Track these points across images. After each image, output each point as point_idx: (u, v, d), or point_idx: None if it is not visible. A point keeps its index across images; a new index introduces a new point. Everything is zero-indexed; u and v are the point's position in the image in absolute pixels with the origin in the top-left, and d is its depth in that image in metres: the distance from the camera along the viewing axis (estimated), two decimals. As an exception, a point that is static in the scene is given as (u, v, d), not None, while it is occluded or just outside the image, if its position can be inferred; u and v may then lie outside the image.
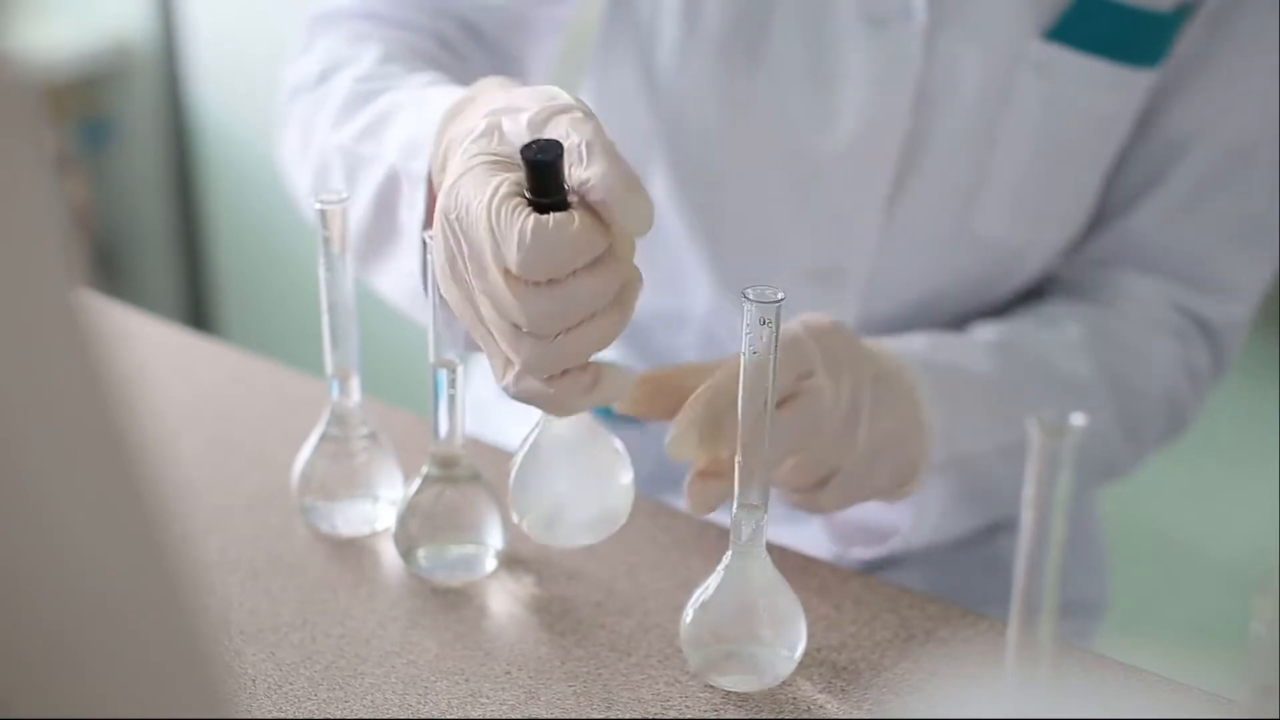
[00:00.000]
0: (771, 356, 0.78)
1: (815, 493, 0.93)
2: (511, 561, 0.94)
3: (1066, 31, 1.07)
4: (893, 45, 1.08)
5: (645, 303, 1.18)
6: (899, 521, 1.03)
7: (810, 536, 1.17)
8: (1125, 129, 1.12)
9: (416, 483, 0.92)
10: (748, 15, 1.10)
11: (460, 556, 0.93)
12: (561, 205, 0.76)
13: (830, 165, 1.11)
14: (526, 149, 0.76)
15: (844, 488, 0.93)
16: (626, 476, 0.87)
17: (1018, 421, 1.04)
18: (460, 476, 0.92)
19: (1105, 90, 1.09)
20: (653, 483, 1.22)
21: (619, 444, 0.87)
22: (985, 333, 1.10)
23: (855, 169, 1.11)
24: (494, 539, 0.93)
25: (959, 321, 1.18)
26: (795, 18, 1.09)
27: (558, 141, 0.76)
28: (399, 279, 0.99)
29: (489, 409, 1.34)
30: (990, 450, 1.04)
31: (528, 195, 0.76)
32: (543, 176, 0.76)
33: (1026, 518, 0.60)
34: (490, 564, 0.93)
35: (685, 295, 1.21)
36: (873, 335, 1.16)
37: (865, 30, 1.08)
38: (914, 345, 1.04)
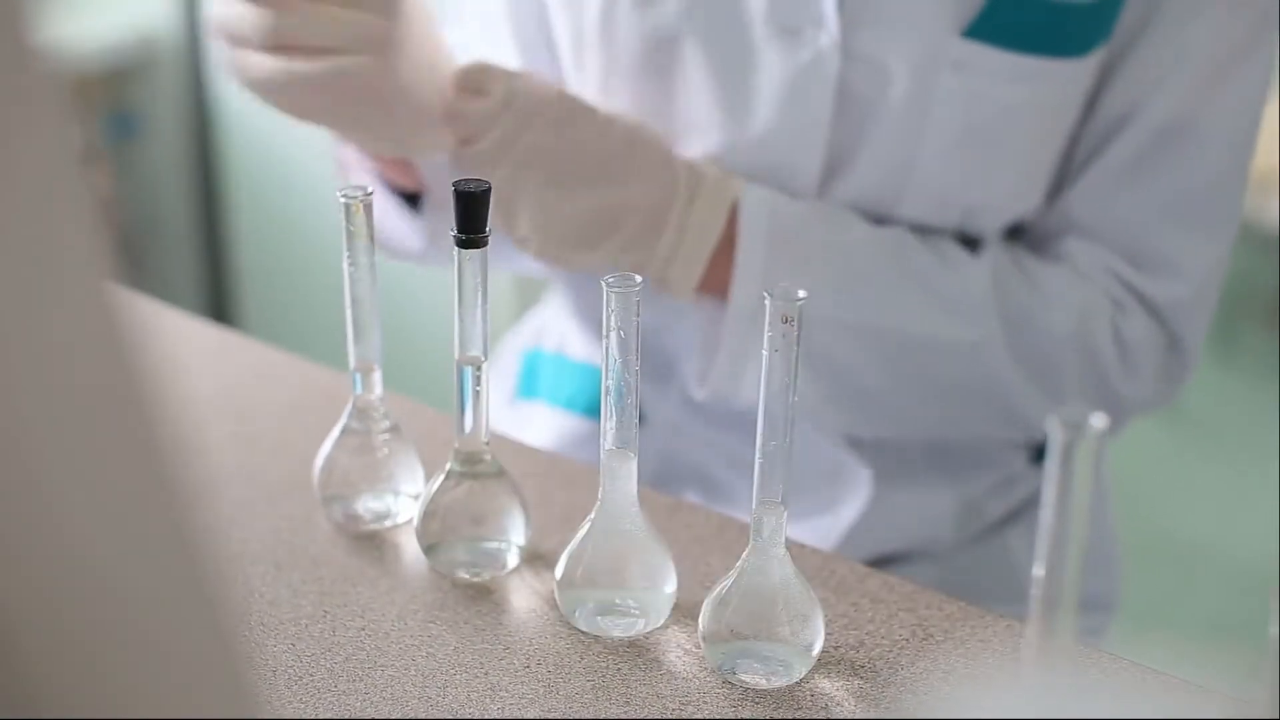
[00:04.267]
0: (793, 353, 0.78)
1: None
2: (532, 556, 0.95)
3: (985, 29, 1.06)
4: (807, 53, 1.07)
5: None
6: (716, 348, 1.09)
7: (819, 532, 1.18)
8: (1067, 116, 1.11)
9: (440, 478, 0.93)
10: (658, 34, 1.10)
11: (483, 552, 0.93)
12: None
13: (754, 174, 1.11)
14: None
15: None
16: (670, 585, 0.89)
17: (875, 309, 1.06)
18: (484, 473, 0.92)
19: (1029, 83, 1.07)
20: (659, 480, 1.23)
21: (668, 552, 0.89)
22: (891, 228, 1.11)
23: (779, 176, 1.10)
24: (517, 535, 0.93)
25: None
26: (708, 32, 1.09)
27: None
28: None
29: (499, 416, 1.34)
30: (827, 320, 1.07)
31: None
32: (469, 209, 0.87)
33: (1046, 518, 0.60)
34: (513, 560, 0.94)
35: (665, 304, 1.21)
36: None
37: (778, 40, 1.07)
38: (782, 199, 1.08)
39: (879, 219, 1.12)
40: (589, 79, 1.14)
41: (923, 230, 1.13)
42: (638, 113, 1.13)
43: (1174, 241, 1.12)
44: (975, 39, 1.06)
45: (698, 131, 1.11)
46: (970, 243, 1.16)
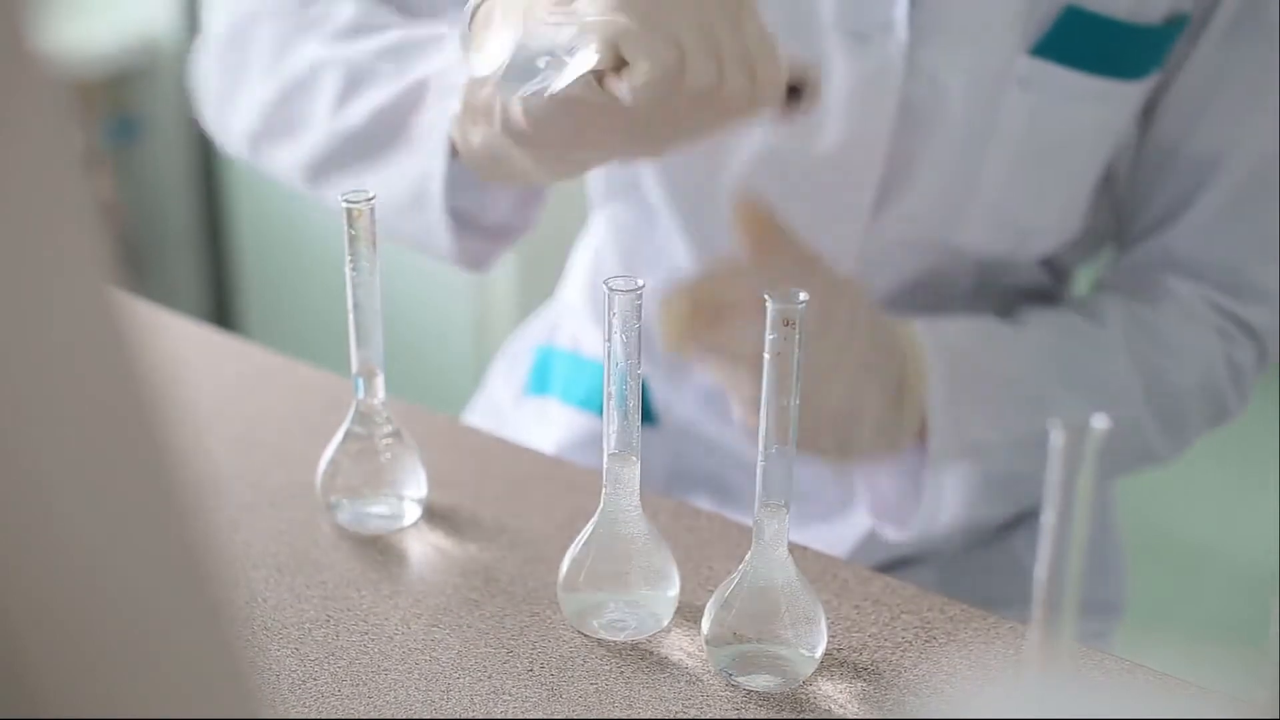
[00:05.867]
0: (794, 355, 0.78)
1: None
2: (534, 560, 0.95)
3: (1053, 47, 1.06)
4: (875, 59, 1.07)
5: (654, 306, 1.19)
6: (918, 504, 1.08)
7: (833, 538, 1.18)
8: (1113, 140, 1.13)
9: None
10: None
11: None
12: None
13: (811, 177, 1.11)
14: None
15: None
16: (673, 588, 0.89)
17: (1040, 417, 1.06)
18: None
19: (1091, 104, 1.09)
20: (671, 481, 1.23)
21: (671, 555, 0.89)
22: (1030, 326, 1.11)
23: (837, 181, 1.11)
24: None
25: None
26: (775, 30, 1.08)
27: None
28: (395, 181, 1.04)
29: (508, 412, 1.34)
30: (1005, 441, 1.07)
31: None
32: None
33: (1048, 518, 0.60)
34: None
35: None
36: None
37: (847, 44, 1.06)
38: (946, 331, 1.07)
39: (937, 239, 1.14)
40: None
41: (979, 261, 1.16)
42: None
43: (1269, 270, 1.15)
44: (1042, 57, 1.07)
45: (754, 131, 1.11)
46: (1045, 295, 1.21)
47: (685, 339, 0.96)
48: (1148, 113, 1.13)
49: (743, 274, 0.96)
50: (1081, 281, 1.28)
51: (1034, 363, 1.09)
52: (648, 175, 1.18)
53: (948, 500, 1.10)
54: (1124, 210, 1.18)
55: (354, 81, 1.06)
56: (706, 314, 0.95)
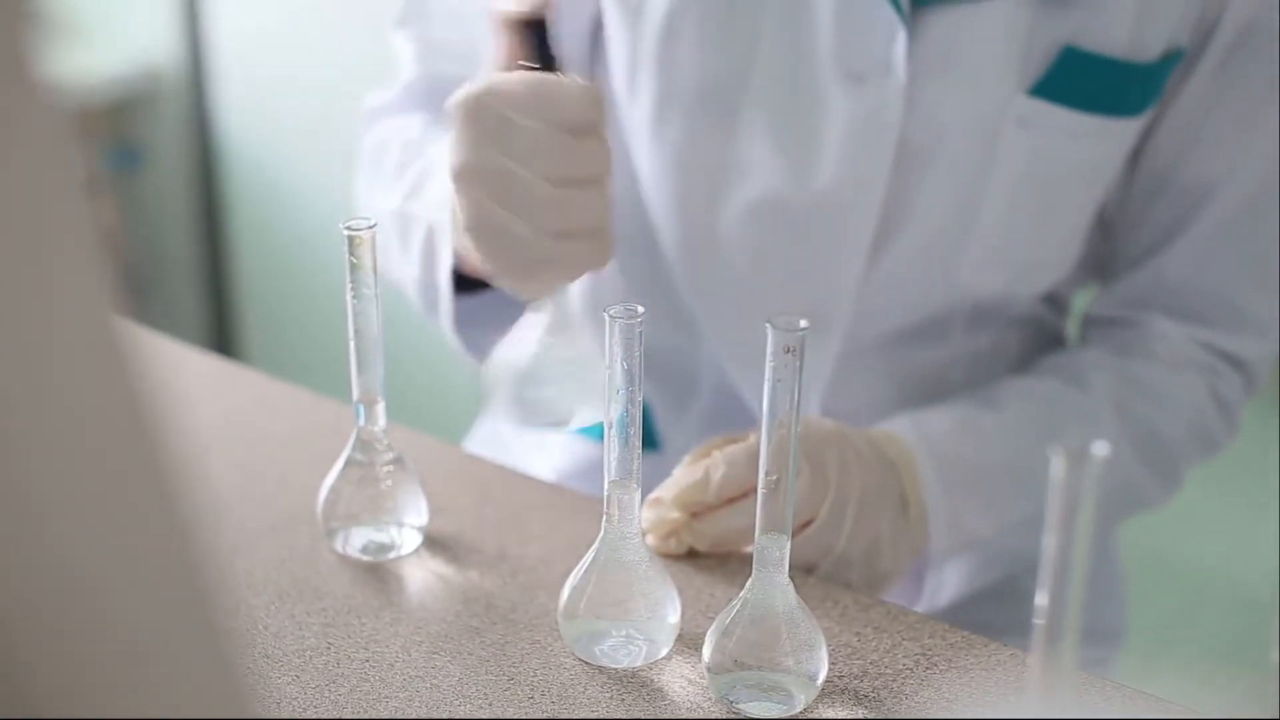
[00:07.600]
0: (796, 382, 0.78)
1: None
2: (534, 587, 0.95)
3: (1051, 87, 1.07)
4: (873, 101, 1.07)
5: (658, 336, 1.20)
6: (921, 593, 1.10)
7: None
8: (1109, 175, 1.13)
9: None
10: (725, 70, 1.09)
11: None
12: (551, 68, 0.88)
13: (810, 219, 1.11)
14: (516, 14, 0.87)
15: (819, 578, 0.99)
16: (674, 615, 0.89)
17: (1031, 499, 1.08)
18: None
19: (1090, 141, 1.09)
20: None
21: (672, 582, 0.90)
22: (1012, 406, 1.11)
23: (835, 223, 1.11)
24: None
25: (941, 356, 1.19)
26: (773, 73, 1.08)
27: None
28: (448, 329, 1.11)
29: (509, 440, 1.34)
30: (1000, 528, 1.09)
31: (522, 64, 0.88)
32: (536, 38, 0.87)
33: (1049, 545, 0.60)
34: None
35: (691, 330, 1.21)
36: (854, 370, 1.17)
37: (845, 86, 1.07)
38: (931, 432, 1.07)
39: (936, 278, 1.14)
40: (641, 106, 1.13)
41: (974, 302, 1.17)
42: (690, 148, 1.13)
43: (1259, 303, 1.16)
44: (1041, 97, 1.07)
45: (753, 174, 1.11)
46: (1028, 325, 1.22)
47: (680, 542, 0.98)
48: (1141, 142, 1.13)
49: (721, 475, 0.97)
50: (1077, 305, 1.29)
51: (1020, 446, 1.09)
52: (649, 217, 1.18)
53: (948, 583, 1.13)
54: (1115, 237, 1.19)
55: (403, 232, 1.13)
56: (693, 513, 0.98)
